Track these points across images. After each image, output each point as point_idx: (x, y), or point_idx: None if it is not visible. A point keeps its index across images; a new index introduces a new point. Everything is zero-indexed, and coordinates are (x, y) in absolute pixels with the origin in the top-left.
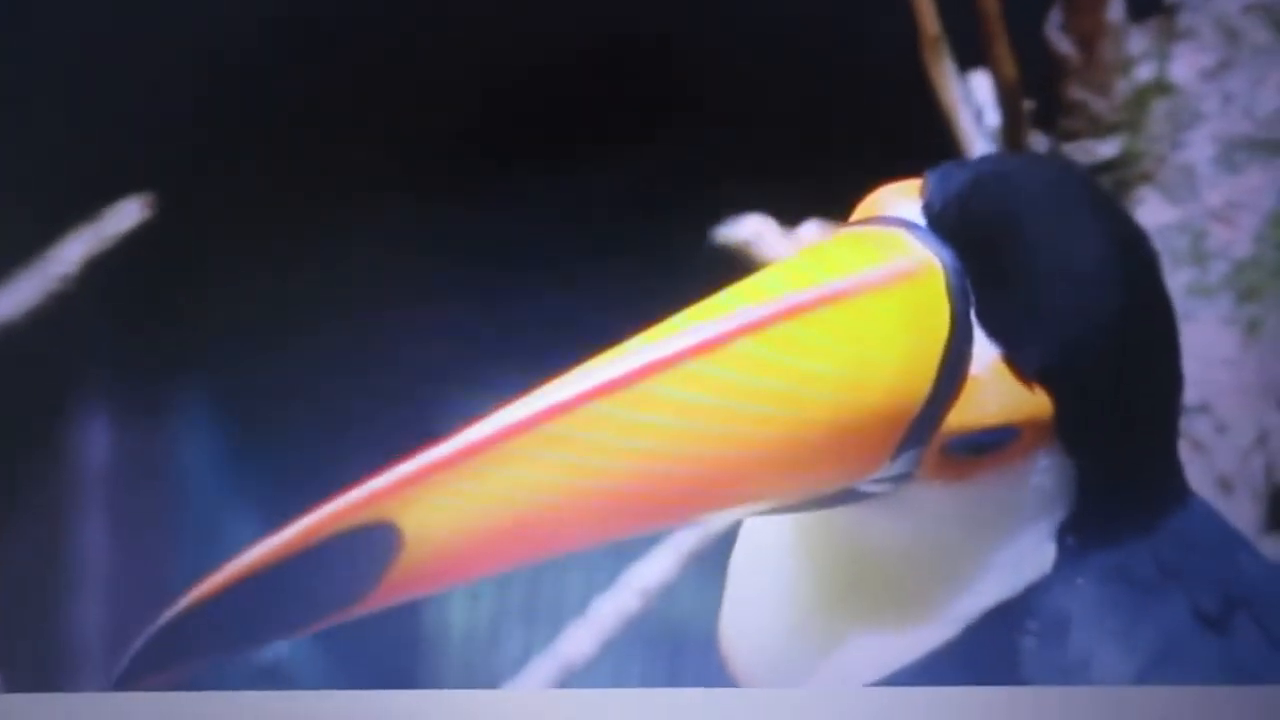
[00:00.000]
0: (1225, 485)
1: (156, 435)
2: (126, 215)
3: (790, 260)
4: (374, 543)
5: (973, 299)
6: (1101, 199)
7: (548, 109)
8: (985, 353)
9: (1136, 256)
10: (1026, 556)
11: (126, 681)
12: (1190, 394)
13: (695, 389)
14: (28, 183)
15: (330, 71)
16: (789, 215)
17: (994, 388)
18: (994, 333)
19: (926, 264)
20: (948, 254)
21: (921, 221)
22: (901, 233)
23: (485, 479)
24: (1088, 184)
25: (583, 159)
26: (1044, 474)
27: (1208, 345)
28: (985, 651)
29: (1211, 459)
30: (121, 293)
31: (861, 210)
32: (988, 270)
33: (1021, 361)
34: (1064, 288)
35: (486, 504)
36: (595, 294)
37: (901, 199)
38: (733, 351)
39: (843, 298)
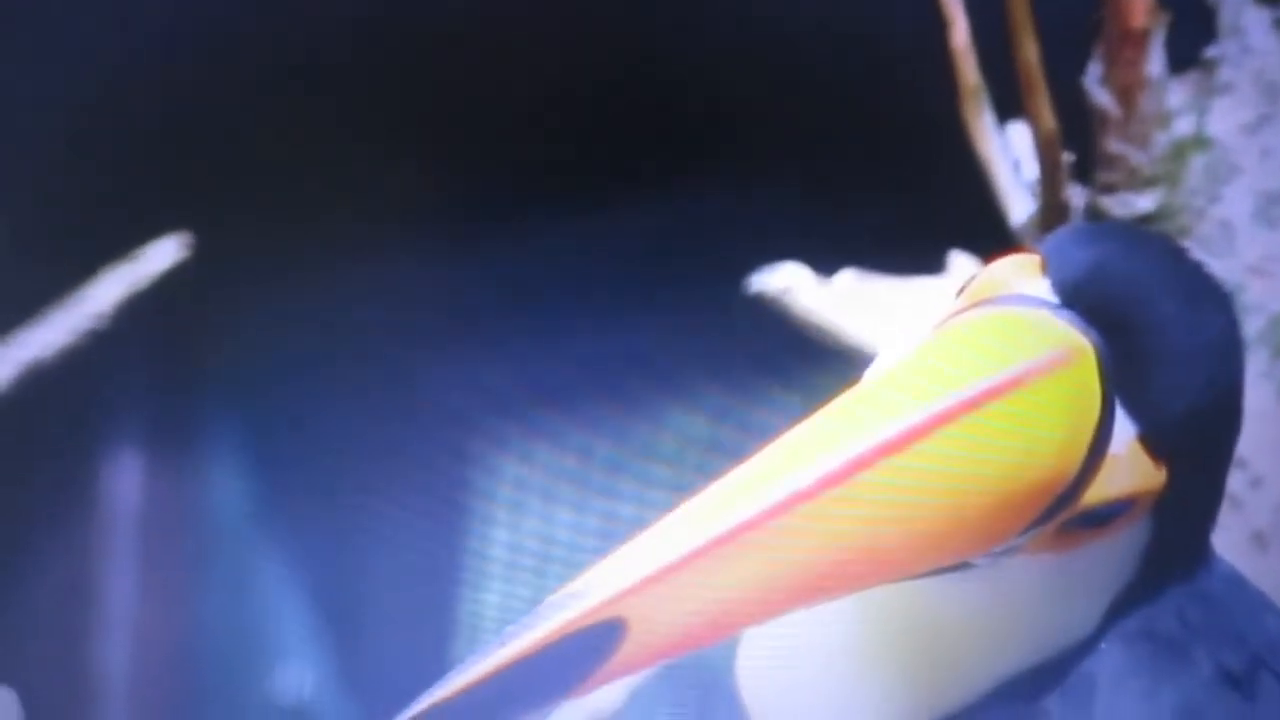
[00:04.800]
0: (1260, 541)
1: (188, 478)
2: (163, 254)
3: (951, 342)
4: (600, 636)
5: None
6: (1200, 266)
7: (580, 152)
8: (1124, 431)
9: (1236, 322)
10: (1076, 622)
11: None
12: None
13: (893, 483)
14: (63, 220)
15: (365, 111)
16: (824, 263)
17: (1127, 465)
18: (1133, 412)
19: (1080, 349)
20: (1095, 336)
21: (1055, 300)
22: (1048, 315)
23: (715, 575)
24: (1185, 253)
25: (615, 202)
26: (1126, 543)
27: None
28: (1011, 713)
29: (1246, 515)
30: (155, 333)
31: (983, 286)
32: (1125, 349)
33: (1159, 439)
34: (1196, 364)
35: (712, 597)
36: (628, 333)
37: (1025, 277)
38: (926, 447)
39: (1014, 388)
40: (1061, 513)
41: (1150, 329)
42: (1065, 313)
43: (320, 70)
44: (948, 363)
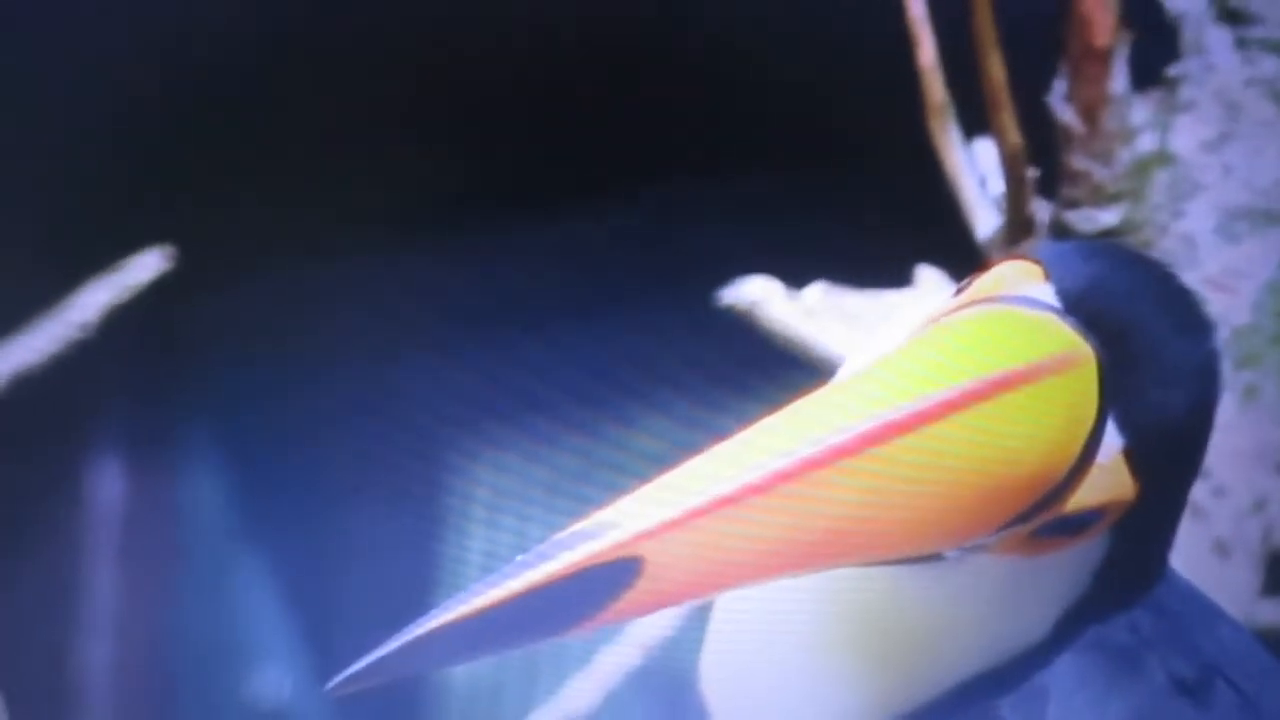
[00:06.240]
0: (1222, 550)
1: (170, 483)
2: (146, 266)
3: (963, 331)
4: (615, 573)
5: None
6: (1191, 291)
7: (551, 161)
8: (1111, 442)
9: (1218, 351)
10: (1025, 628)
11: (347, 685)
12: None
13: (903, 459)
14: (49, 230)
15: (343, 121)
16: (793, 277)
17: (1107, 476)
18: (1122, 425)
19: (1084, 354)
20: (1096, 343)
21: (1058, 305)
22: (1054, 318)
23: (735, 524)
24: (1177, 277)
25: (585, 213)
26: (1083, 556)
27: None
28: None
29: (1209, 524)
30: (138, 342)
31: (988, 285)
32: (1118, 363)
33: (1143, 456)
34: (1184, 386)
35: (730, 544)
36: (598, 341)
37: (1027, 280)
38: (939, 428)
39: (1025, 382)
40: (1044, 513)
41: (1146, 346)
42: (1070, 318)
43: (300, 81)
44: (962, 349)
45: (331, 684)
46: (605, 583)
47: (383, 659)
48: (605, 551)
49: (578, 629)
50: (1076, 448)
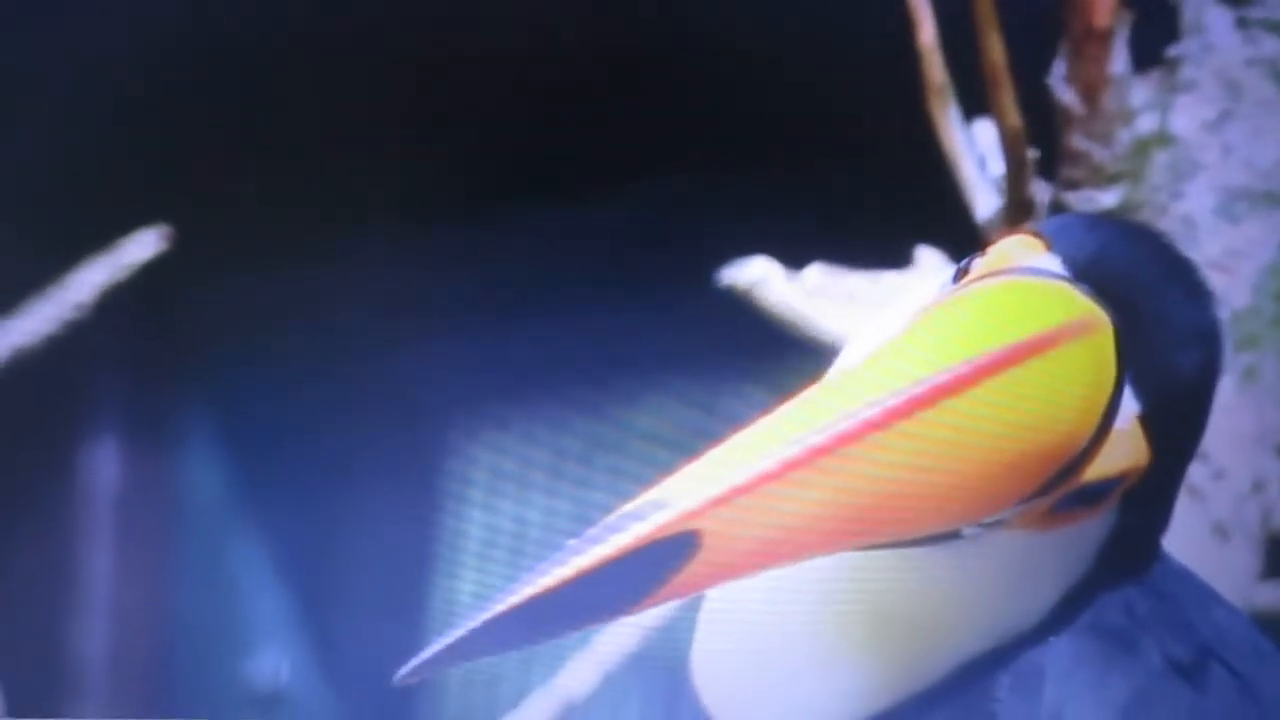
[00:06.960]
0: (1221, 532)
1: (165, 462)
2: (143, 246)
3: (982, 302)
4: (674, 548)
5: None
6: (1191, 261)
7: (551, 146)
8: (1128, 408)
9: (1219, 318)
10: (1028, 609)
11: (418, 673)
12: None
13: (946, 422)
14: (44, 211)
15: (341, 108)
16: (792, 258)
17: (1125, 441)
18: (1137, 391)
19: (1101, 319)
20: (1106, 309)
21: (1066, 275)
22: (1065, 286)
23: (798, 488)
24: (1176, 247)
25: (587, 197)
26: (1088, 535)
27: None
28: (961, 703)
29: (1208, 506)
30: (134, 323)
31: (994, 260)
32: (1129, 329)
33: (1157, 421)
34: (1194, 350)
35: (789, 508)
36: (599, 326)
37: (1031, 253)
38: (975, 394)
39: (1050, 347)
40: (1065, 482)
41: (1155, 311)
42: (1083, 287)
43: (299, 67)
44: (983, 319)
45: (400, 674)
46: (660, 561)
47: (450, 646)
48: (667, 525)
49: (637, 607)
50: (1098, 413)
